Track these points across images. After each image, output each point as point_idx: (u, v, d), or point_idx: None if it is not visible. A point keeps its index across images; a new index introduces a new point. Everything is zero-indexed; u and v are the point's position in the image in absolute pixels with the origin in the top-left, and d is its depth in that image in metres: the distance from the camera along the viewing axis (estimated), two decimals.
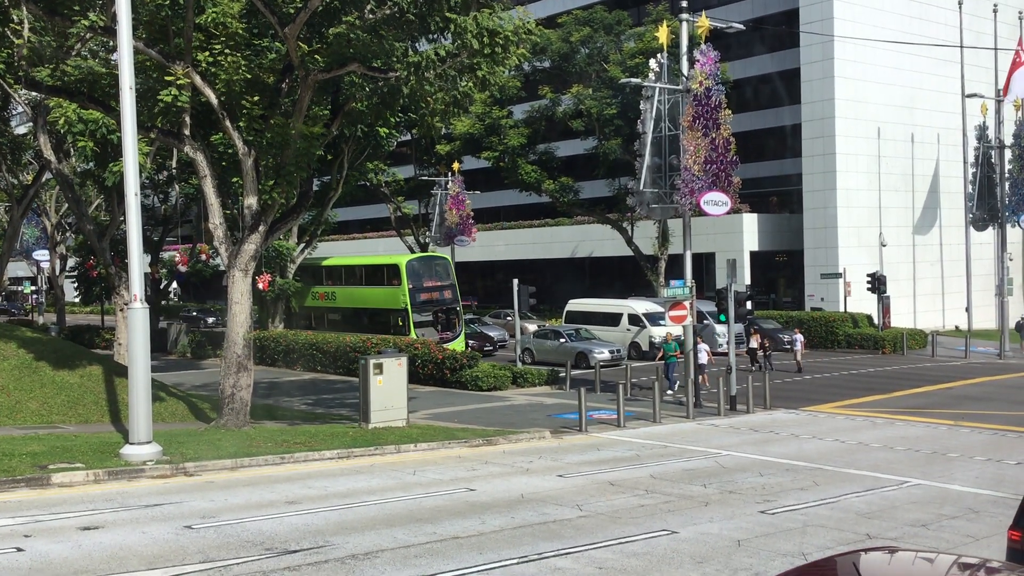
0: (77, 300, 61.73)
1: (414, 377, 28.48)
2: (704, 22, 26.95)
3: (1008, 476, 17.45)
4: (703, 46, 27.19)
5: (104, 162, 28.69)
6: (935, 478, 17.12)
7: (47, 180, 44.80)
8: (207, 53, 20.57)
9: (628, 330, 41.12)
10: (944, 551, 11.93)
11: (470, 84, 20.50)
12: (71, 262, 57.84)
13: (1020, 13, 53.31)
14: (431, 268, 41.90)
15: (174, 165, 39.87)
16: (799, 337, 35.78)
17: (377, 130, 27.84)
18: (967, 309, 49.03)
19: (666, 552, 12.02)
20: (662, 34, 28.32)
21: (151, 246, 47.00)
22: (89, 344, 43.87)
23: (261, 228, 21.86)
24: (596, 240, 59.69)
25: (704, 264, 52.68)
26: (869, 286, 44.55)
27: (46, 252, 56.84)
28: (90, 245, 40.13)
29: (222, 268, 25.30)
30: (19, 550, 11.51)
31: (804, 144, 52.80)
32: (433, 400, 28.39)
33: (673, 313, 27.53)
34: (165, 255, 51.18)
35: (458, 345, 38.86)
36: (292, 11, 20.40)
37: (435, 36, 20.22)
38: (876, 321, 46.04)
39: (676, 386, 29.54)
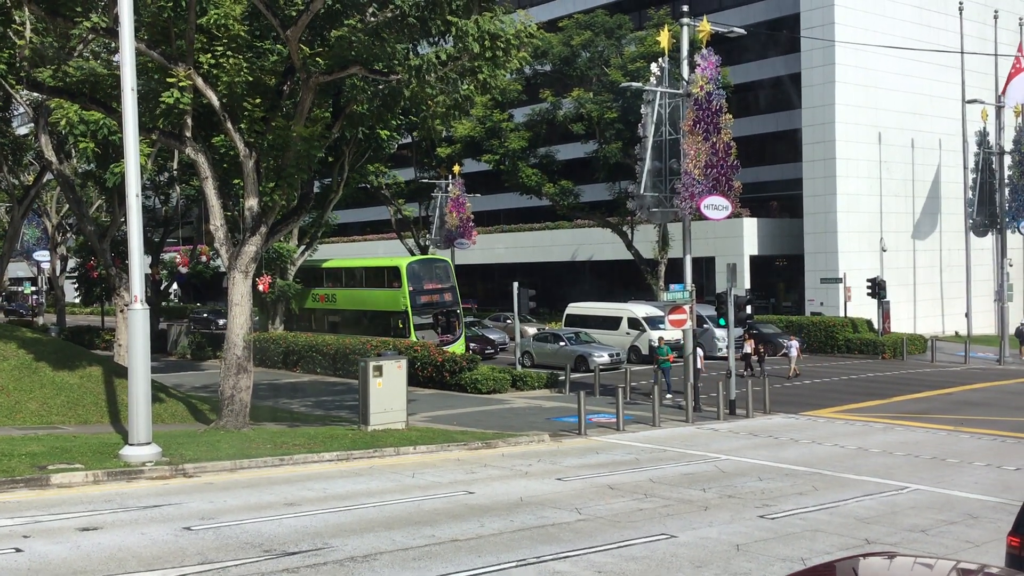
0: (77, 301, 61.81)
1: (413, 379, 28.48)
2: (705, 26, 26.98)
3: (1007, 482, 17.44)
4: (704, 50, 27.22)
5: (105, 163, 28.77)
6: (934, 483, 17.13)
7: (48, 181, 44.82)
8: (209, 55, 20.60)
9: (628, 334, 41.12)
10: (943, 556, 11.93)
11: (471, 87, 20.52)
12: (72, 263, 57.87)
13: (1021, 20, 53.42)
14: (431, 270, 41.92)
15: (175, 166, 39.90)
16: (794, 343, 35.65)
17: (378, 132, 27.85)
18: (967, 315, 49.01)
19: (665, 556, 12.03)
20: (663, 38, 28.35)
21: (152, 247, 47.03)
22: (89, 345, 43.86)
23: (262, 230, 21.88)
24: (596, 244, 59.71)
25: (704, 268, 52.69)
26: (869, 291, 44.56)
27: (47, 253, 56.85)
28: (91, 246, 40.14)
29: (223, 269, 25.35)
30: (18, 551, 11.51)
31: (805, 149, 52.83)
32: (432, 403, 28.39)
33: (673, 317, 27.53)
34: (166, 256, 51.20)
35: (458, 348, 38.86)
36: (294, 14, 20.44)
37: (436, 39, 20.24)
38: (876, 326, 46.03)
39: (655, 391, 29.41)
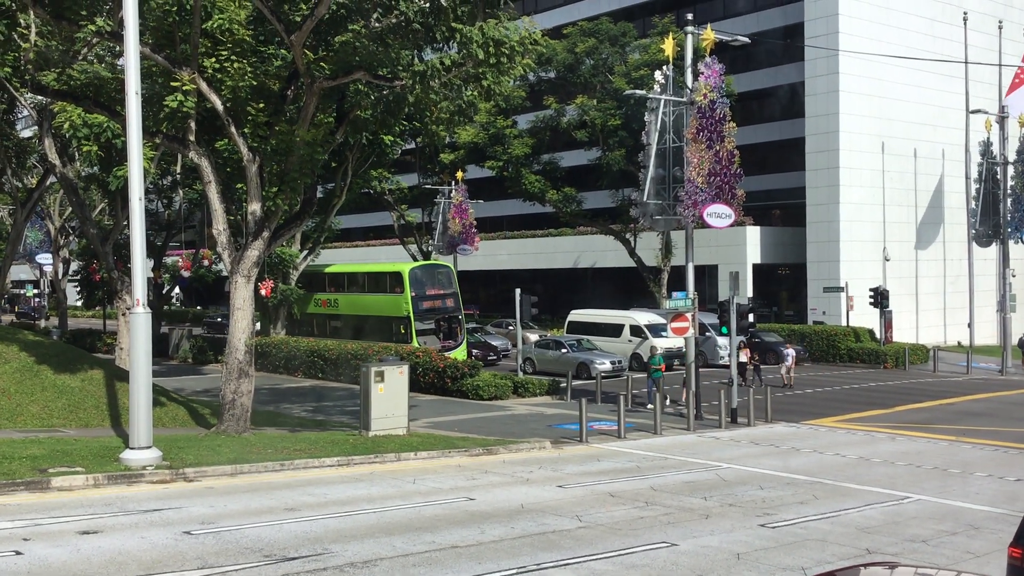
0: (79, 304, 61.88)
1: (415, 385, 28.45)
2: (709, 35, 27.01)
3: (1009, 492, 17.40)
4: (708, 59, 27.23)
5: (108, 166, 28.82)
6: (935, 494, 17.08)
7: (51, 184, 44.85)
8: (213, 59, 20.63)
9: (630, 341, 41.08)
10: (944, 567, 11.91)
11: (475, 93, 20.53)
12: (74, 266, 57.94)
13: None
14: (434, 276, 41.91)
15: (178, 170, 39.95)
16: (790, 352, 35.41)
17: (382, 138, 27.89)
18: (969, 325, 48.98)
19: (665, 564, 12.00)
20: (667, 46, 28.35)
21: (154, 251, 47.05)
22: (91, 348, 43.88)
23: (264, 234, 21.88)
24: (599, 251, 59.72)
25: (707, 276, 52.67)
26: (872, 300, 44.52)
27: (49, 256, 56.94)
28: (93, 249, 40.20)
29: (225, 274, 25.35)
30: (18, 553, 11.50)
31: (808, 158, 52.84)
32: (434, 409, 28.37)
33: (675, 325, 27.50)
34: (168, 260, 51.28)
35: (460, 354, 38.84)
36: (299, 19, 20.46)
37: (441, 45, 20.26)
38: (878, 335, 45.98)
39: (655, 400, 29.36)
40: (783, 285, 57.44)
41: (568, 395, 31.36)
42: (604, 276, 62.12)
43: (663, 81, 28.52)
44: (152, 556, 11.62)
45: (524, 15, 24.63)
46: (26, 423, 20.86)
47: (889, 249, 52.94)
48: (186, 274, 46.58)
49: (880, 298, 43.91)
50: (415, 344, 37.63)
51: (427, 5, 19.15)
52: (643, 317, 42.20)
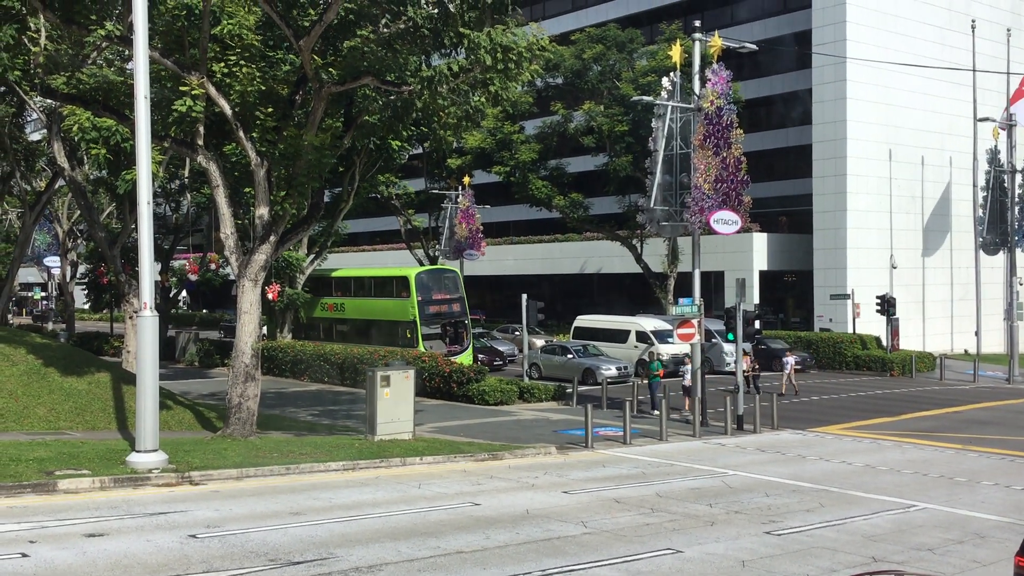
0: (87, 307, 62.04)
1: (421, 390, 28.47)
2: (717, 42, 27.02)
3: (1016, 501, 17.35)
4: (715, 65, 27.25)
5: (117, 170, 28.88)
6: (942, 502, 17.04)
7: (60, 187, 45.08)
8: (222, 64, 20.71)
9: (636, 347, 41.04)
10: None
11: (482, 99, 20.59)
12: (82, 269, 58.11)
13: None
14: (440, 281, 41.92)
15: (186, 174, 40.04)
16: (790, 359, 35.13)
17: (389, 143, 27.98)
18: (976, 333, 48.84)
19: (670, 571, 11.99)
20: (675, 53, 28.39)
21: (162, 254, 47.19)
22: (98, 351, 43.98)
23: (272, 238, 21.94)
24: (605, 256, 59.70)
25: (713, 282, 52.63)
26: (878, 308, 44.43)
27: (57, 258, 57.11)
28: (101, 252, 40.33)
29: (232, 277, 25.38)
30: (24, 556, 11.54)
31: (815, 165, 52.79)
32: (439, 413, 28.38)
33: (681, 331, 27.49)
34: (176, 263, 51.38)
35: (466, 359, 38.83)
36: (307, 24, 20.54)
37: (449, 51, 20.32)
38: (885, 343, 45.88)
39: (661, 405, 29.26)
40: (790, 292, 57.37)
41: (574, 401, 31.34)
42: (610, 282, 62.09)
43: (670, 87, 28.55)
44: (157, 559, 11.64)
45: (532, 21, 24.67)
46: (33, 425, 20.92)
47: (896, 257, 52.86)
48: (193, 278, 46.65)
49: (887, 306, 43.83)
50: (421, 349, 37.64)
51: (435, 11, 19.23)
52: (649, 323, 42.16)
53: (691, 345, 27.80)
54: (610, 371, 37.22)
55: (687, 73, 30.06)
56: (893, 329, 45.13)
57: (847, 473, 20.01)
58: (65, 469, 16.38)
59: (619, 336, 41.92)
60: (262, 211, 21.77)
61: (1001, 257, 49.79)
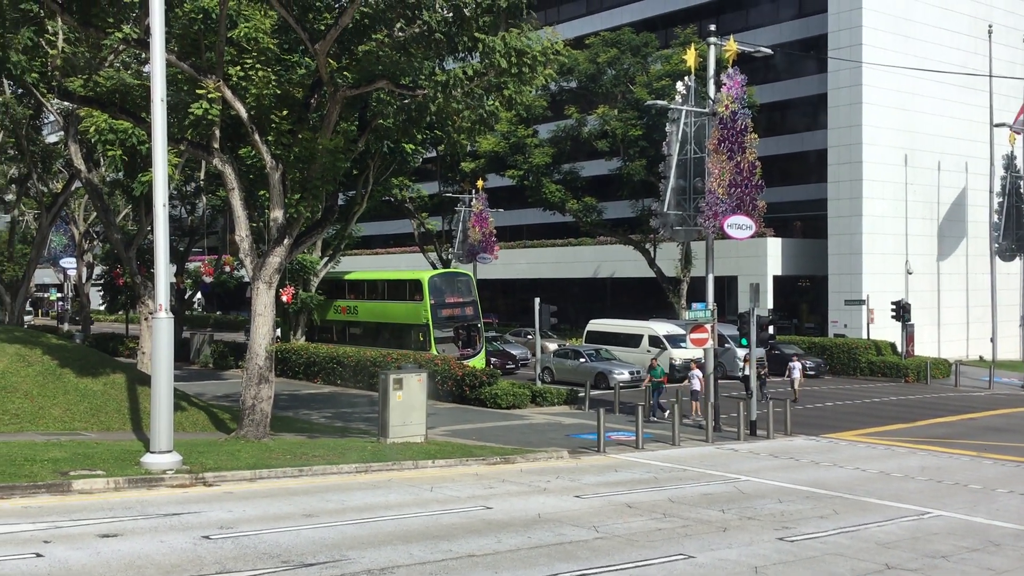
0: (102, 308, 62.32)
1: (433, 393, 28.50)
2: (732, 46, 26.99)
3: None
4: (730, 69, 27.21)
5: (133, 172, 29.08)
6: (956, 509, 16.95)
7: (76, 189, 45.36)
8: (238, 67, 20.81)
9: (649, 351, 40.92)
10: None
11: (497, 103, 20.62)
12: (97, 270, 58.42)
13: None
14: (453, 285, 41.96)
15: (202, 177, 40.23)
16: (797, 365, 34.88)
17: (403, 146, 28.02)
18: (992, 339, 48.55)
19: None
20: (690, 57, 28.37)
21: (177, 256, 47.42)
22: (113, 352, 44.21)
23: (286, 241, 22.02)
24: (618, 261, 59.65)
25: (727, 287, 52.52)
26: (893, 314, 44.24)
27: (73, 260, 57.44)
28: (117, 254, 40.54)
29: (246, 280, 25.49)
30: (38, 556, 11.60)
31: (830, 170, 52.61)
32: (452, 417, 28.40)
33: (694, 336, 27.44)
34: (190, 265, 51.62)
35: (478, 362, 38.86)
36: (323, 28, 20.63)
37: (463, 55, 20.36)
38: (899, 349, 45.67)
39: (666, 413, 29.16)
40: (804, 297, 57.18)
41: (586, 405, 31.32)
42: (623, 286, 62.03)
43: (685, 92, 28.52)
44: (171, 560, 11.69)
45: (546, 25, 24.71)
46: (48, 426, 21.04)
47: (911, 262, 52.62)
48: (208, 280, 46.89)
49: (902, 311, 43.63)
50: (434, 352, 37.68)
51: (450, 15, 19.26)
52: (662, 328, 42.10)
53: (704, 350, 27.73)
54: (623, 375, 37.19)
55: (702, 77, 30.02)
56: (908, 335, 44.93)
57: (861, 480, 19.92)
58: (80, 469, 16.46)
59: (632, 340, 41.87)
60: (277, 214, 21.85)
61: (1017, 263, 49.59)
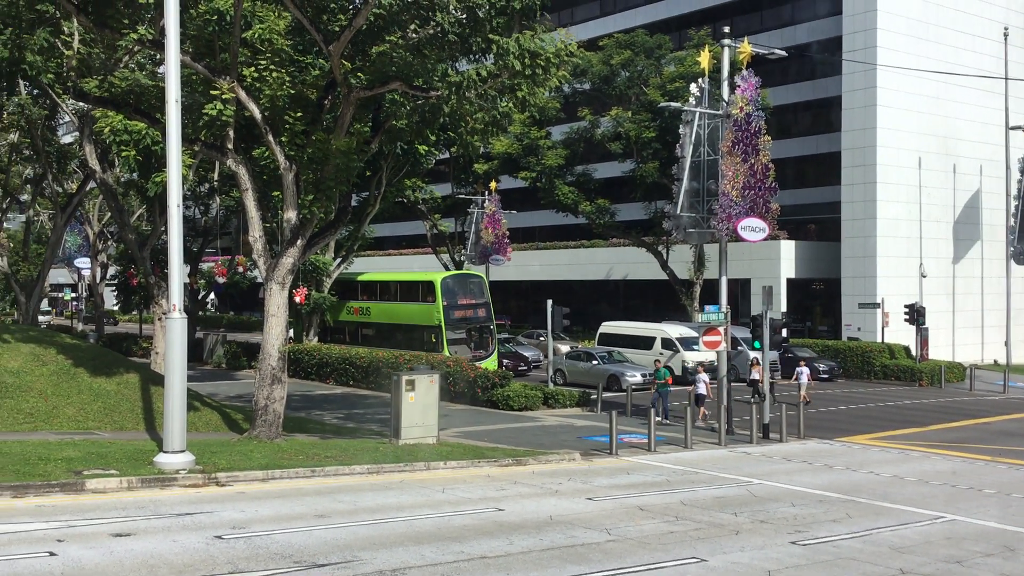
0: (116, 308, 62.59)
1: (445, 395, 28.51)
2: (746, 48, 26.91)
3: None
4: (744, 71, 27.14)
5: (147, 172, 29.19)
6: (971, 514, 16.85)
7: (91, 189, 45.57)
8: (252, 68, 20.86)
9: (661, 354, 40.85)
10: None
11: (510, 104, 20.61)
12: (112, 270, 58.67)
13: None
14: (466, 286, 41.98)
15: (216, 178, 40.40)
16: (804, 370, 34.60)
17: (416, 148, 28.04)
18: (1007, 343, 48.31)
19: None
20: (703, 59, 28.31)
21: (190, 257, 47.57)
22: (126, 352, 44.38)
23: (299, 242, 22.06)
24: (631, 263, 59.58)
25: (740, 290, 52.38)
26: (907, 317, 44.04)
27: (87, 260, 57.71)
28: (131, 254, 40.70)
29: (259, 280, 25.55)
30: (52, 554, 11.65)
31: (844, 172, 52.43)
32: (464, 418, 28.40)
33: (707, 339, 27.36)
34: (204, 266, 51.77)
35: (491, 364, 38.86)
36: (337, 29, 20.65)
37: (477, 56, 20.37)
38: (913, 353, 45.47)
39: (668, 416, 29.08)
40: (817, 300, 56.99)
41: (598, 407, 31.27)
42: (636, 288, 61.95)
43: (698, 94, 28.45)
44: (184, 560, 11.72)
45: (560, 27, 24.70)
46: (62, 425, 21.13)
47: (925, 265, 52.37)
48: (221, 280, 46.99)
49: (916, 315, 43.42)
50: (446, 353, 37.70)
51: (464, 17, 19.27)
52: (675, 330, 42.02)
53: (717, 353, 27.66)
54: (635, 378, 37.11)
55: (715, 79, 29.94)
56: (922, 339, 44.71)
57: (874, 483, 19.83)
58: (93, 469, 16.52)
59: (644, 343, 41.81)
60: (290, 215, 21.90)
61: None
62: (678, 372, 39.42)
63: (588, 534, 14.10)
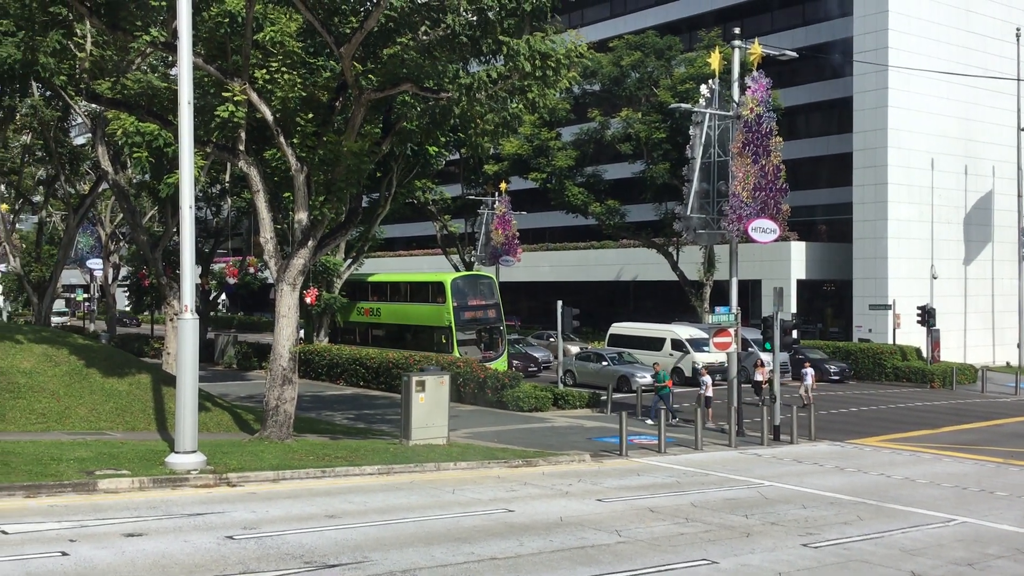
0: (128, 309, 62.81)
1: (455, 396, 28.53)
2: (756, 49, 26.87)
3: None
4: (755, 72, 27.10)
5: (159, 174, 29.28)
6: (982, 516, 16.79)
7: (103, 190, 45.75)
8: (264, 71, 20.92)
9: (671, 355, 40.87)
10: None
11: (520, 106, 20.63)
12: (124, 271, 58.90)
13: None
14: (476, 287, 42.02)
15: (227, 179, 40.50)
16: (809, 371, 34.43)
17: (427, 149, 28.07)
18: (1019, 345, 48.09)
19: None
20: (714, 60, 28.27)
21: (202, 258, 47.71)
22: (138, 352, 44.55)
23: (310, 243, 22.11)
24: (641, 264, 59.53)
25: (750, 291, 52.26)
26: (919, 319, 43.90)
27: (100, 261, 57.94)
28: (143, 255, 40.84)
29: (270, 281, 25.60)
30: (64, 554, 11.71)
31: (855, 173, 52.29)
32: (474, 419, 28.43)
33: (718, 340, 27.34)
34: (215, 267, 51.93)
35: (501, 365, 38.88)
36: (348, 31, 20.70)
37: (487, 58, 20.38)
38: (925, 354, 45.32)
39: (672, 416, 28.93)
40: (828, 301, 56.84)
41: (608, 408, 31.26)
42: (646, 289, 61.89)
43: (709, 95, 28.41)
44: (195, 560, 11.77)
45: (570, 28, 24.67)
46: (74, 425, 21.23)
47: (937, 267, 52.19)
48: (232, 281, 47.11)
49: (927, 316, 43.28)
50: (456, 354, 37.74)
51: (474, 18, 19.29)
52: (685, 331, 41.98)
53: (727, 354, 27.62)
54: (645, 379, 37.06)
55: (726, 80, 29.91)
56: (934, 340, 44.56)
57: (886, 486, 19.78)
58: (105, 469, 16.60)
59: (654, 344, 41.78)
60: (301, 216, 21.95)
61: None
62: (688, 373, 39.39)
63: (598, 535, 14.11)
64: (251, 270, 47.65)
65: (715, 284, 49.31)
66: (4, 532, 12.62)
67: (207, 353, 43.69)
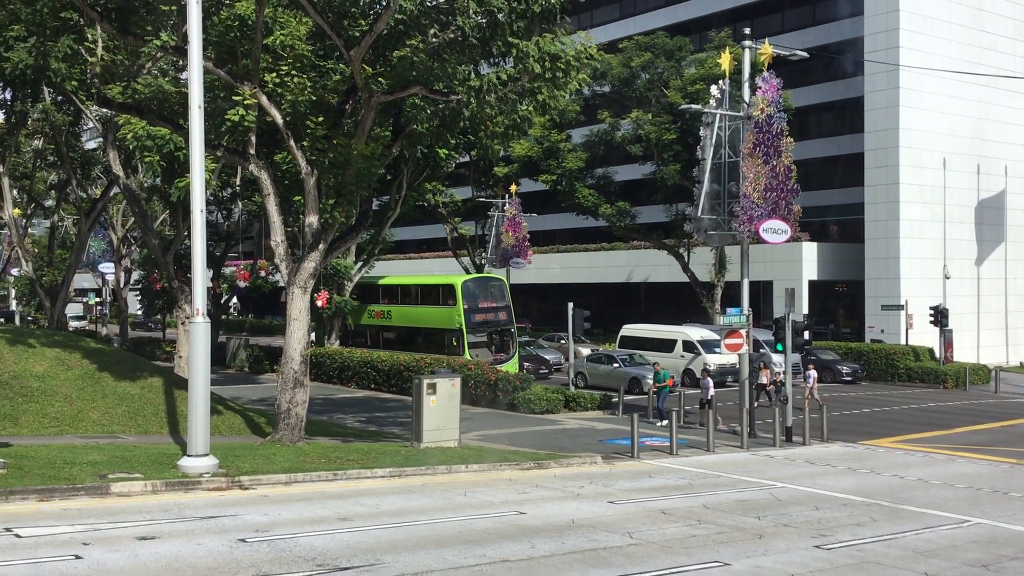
0: (140, 313, 63.02)
1: (466, 398, 28.52)
2: (767, 49, 26.81)
3: None
4: (766, 73, 27.03)
5: (170, 178, 29.36)
6: (996, 517, 16.70)
7: (115, 194, 45.94)
8: (274, 74, 20.97)
9: (682, 357, 40.77)
10: None
11: (530, 108, 20.61)
12: (135, 275, 59.10)
13: None
14: (486, 289, 42.03)
15: (238, 182, 40.54)
16: (813, 373, 34.24)
17: (437, 151, 28.11)
18: None
19: None
20: (724, 61, 28.20)
21: (213, 261, 47.83)
22: (150, 356, 44.68)
23: (321, 246, 22.15)
24: (652, 265, 59.43)
25: (762, 292, 52.12)
26: (931, 319, 43.72)
27: (111, 265, 58.15)
28: (154, 259, 40.95)
29: (281, 284, 25.65)
30: (77, 557, 11.75)
31: (867, 173, 52.12)
32: (485, 421, 28.42)
33: (729, 341, 27.27)
34: (226, 270, 52.06)
35: (512, 367, 38.87)
36: (357, 34, 20.73)
37: (497, 60, 20.39)
38: (938, 355, 45.12)
39: (668, 416, 28.90)
40: (840, 302, 56.64)
41: (619, 410, 31.21)
42: (657, 291, 61.78)
43: (719, 95, 28.34)
44: (207, 563, 11.79)
45: (580, 30, 24.66)
46: (87, 429, 21.30)
47: (949, 267, 51.96)
48: (243, 284, 47.23)
49: (940, 317, 43.09)
50: (467, 356, 37.74)
51: (484, 20, 19.29)
52: (696, 333, 41.88)
53: (739, 355, 27.55)
54: None
55: (736, 81, 29.83)
56: (946, 341, 44.37)
57: (899, 487, 19.68)
58: (118, 472, 16.65)
59: (666, 345, 41.70)
60: (312, 219, 21.99)
61: None
62: (699, 375, 39.24)
63: (610, 538, 14.08)
64: (262, 273, 47.75)
65: (726, 285, 49.17)
66: (18, 535, 12.67)
67: (219, 356, 43.81)
